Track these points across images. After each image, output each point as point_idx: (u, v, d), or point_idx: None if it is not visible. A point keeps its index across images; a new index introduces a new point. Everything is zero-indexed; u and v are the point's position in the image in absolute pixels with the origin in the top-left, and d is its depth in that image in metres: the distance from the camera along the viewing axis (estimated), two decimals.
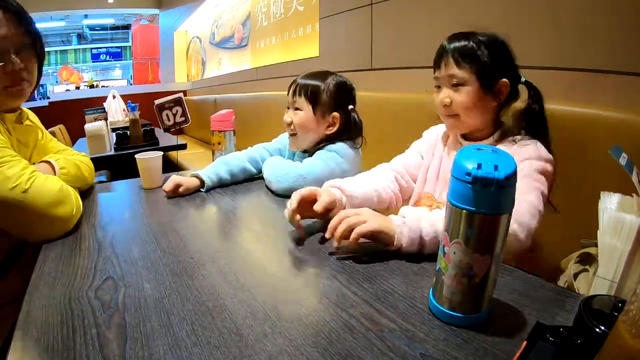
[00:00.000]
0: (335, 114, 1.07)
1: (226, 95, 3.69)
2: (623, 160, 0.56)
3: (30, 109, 1.06)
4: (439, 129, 0.97)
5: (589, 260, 0.73)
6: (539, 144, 0.80)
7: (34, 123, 1.03)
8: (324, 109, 1.07)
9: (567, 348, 0.36)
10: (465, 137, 0.89)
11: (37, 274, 0.63)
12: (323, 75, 1.09)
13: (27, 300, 0.55)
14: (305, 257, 0.66)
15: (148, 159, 1.10)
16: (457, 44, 0.83)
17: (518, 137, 0.82)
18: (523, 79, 0.83)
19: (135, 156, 1.09)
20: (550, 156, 0.79)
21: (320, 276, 0.59)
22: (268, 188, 1.06)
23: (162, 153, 1.12)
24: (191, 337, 0.45)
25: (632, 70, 0.91)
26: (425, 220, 0.64)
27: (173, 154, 2.85)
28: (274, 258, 0.68)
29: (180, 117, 1.44)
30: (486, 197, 0.41)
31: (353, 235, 0.62)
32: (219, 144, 1.23)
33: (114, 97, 3.17)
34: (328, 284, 0.56)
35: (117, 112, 3.03)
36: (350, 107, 1.10)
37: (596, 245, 0.64)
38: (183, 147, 2.44)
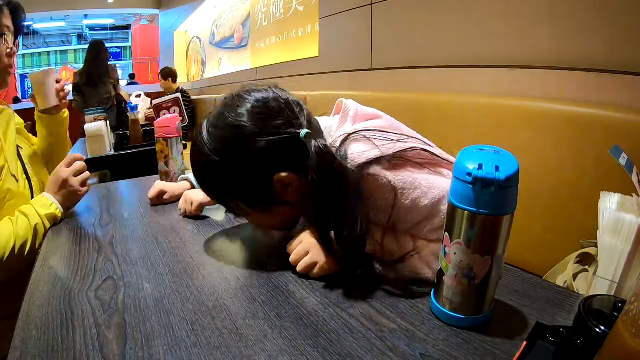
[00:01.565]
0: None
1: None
2: (623, 160, 0.56)
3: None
4: None
5: (588, 260, 0.73)
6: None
7: (6, 105, 1.03)
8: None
9: (567, 348, 0.36)
10: None
11: (37, 274, 0.63)
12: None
13: (27, 300, 0.55)
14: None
15: (38, 73, 1.07)
16: (200, 182, 0.64)
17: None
18: (303, 134, 0.55)
19: (28, 74, 1.10)
20: None
21: (321, 276, 0.59)
22: None
23: (53, 67, 1.12)
24: (191, 337, 0.45)
25: (632, 70, 0.91)
26: None
27: None
28: (274, 258, 0.67)
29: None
30: (487, 198, 0.41)
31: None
32: (162, 152, 1.07)
33: (138, 96, 3.21)
34: (328, 284, 0.56)
35: (142, 111, 3.06)
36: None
37: (596, 245, 0.64)
38: (183, 147, 2.44)
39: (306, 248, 0.59)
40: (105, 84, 3.43)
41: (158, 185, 0.98)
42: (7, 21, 0.92)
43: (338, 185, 0.53)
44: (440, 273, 0.47)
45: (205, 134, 0.58)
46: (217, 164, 0.56)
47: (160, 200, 0.96)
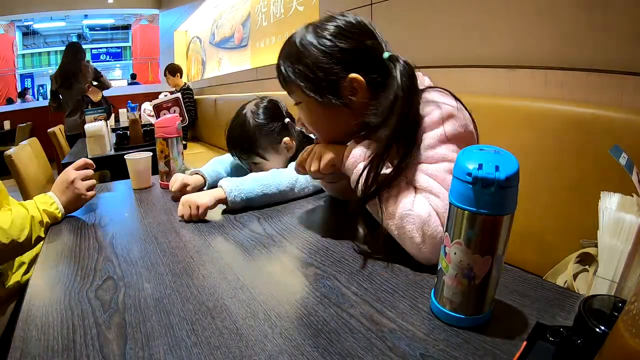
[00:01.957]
0: (286, 139, 1.04)
1: (226, 95, 3.69)
2: (623, 160, 0.56)
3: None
4: None
5: (588, 260, 0.73)
6: (438, 97, 0.64)
7: None
8: (268, 147, 1.03)
9: (567, 348, 0.36)
10: None
11: (37, 273, 0.63)
12: (241, 124, 1.04)
13: (27, 300, 0.55)
14: (305, 257, 0.66)
15: (137, 160, 1.09)
16: (283, 56, 0.70)
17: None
18: (386, 55, 0.64)
19: (125, 157, 1.09)
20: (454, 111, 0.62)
21: (320, 276, 0.59)
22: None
23: (151, 154, 1.11)
24: (191, 337, 0.45)
25: (632, 70, 0.91)
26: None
27: None
28: (274, 258, 0.68)
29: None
30: (487, 198, 0.41)
31: (315, 170, 0.69)
32: (162, 152, 1.09)
33: (165, 96, 3.23)
34: (328, 284, 0.56)
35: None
36: (287, 120, 1.05)
37: (596, 245, 0.64)
38: (183, 147, 2.44)
39: (319, 152, 0.69)
40: (79, 83, 3.44)
41: (179, 177, 0.99)
42: None
43: (407, 103, 0.60)
44: (440, 273, 0.47)
45: (310, 28, 0.67)
46: (311, 44, 0.65)
47: (183, 192, 0.96)
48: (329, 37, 0.64)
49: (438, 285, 0.48)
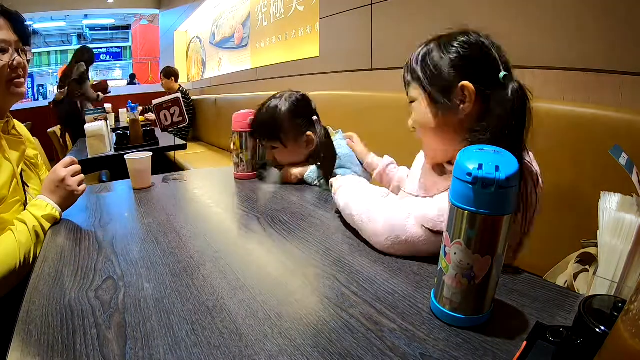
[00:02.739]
0: (308, 133, 1.10)
1: (226, 95, 3.69)
2: (623, 160, 0.56)
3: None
4: None
5: (588, 260, 0.73)
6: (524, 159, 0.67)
7: (20, 134, 1.01)
8: (291, 136, 1.09)
9: (567, 348, 0.36)
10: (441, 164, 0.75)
11: (37, 273, 0.63)
12: (272, 108, 1.09)
13: (27, 300, 0.55)
14: (305, 257, 0.66)
15: (137, 160, 1.09)
16: (415, 56, 0.75)
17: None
18: (502, 75, 0.65)
19: (125, 157, 1.09)
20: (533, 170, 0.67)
21: (320, 276, 0.59)
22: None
23: (151, 154, 1.12)
24: (191, 337, 0.45)
25: (632, 70, 0.91)
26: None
27: (172, 153, 2.85)
28: (274, 258, 0.68)
29: (178, 117, 1.43)
30: (487, 198, 0.41)
31: None
32: (234, 144, 1.18)
33: None
34: (328, 284, 0.56)
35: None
36: (315, 118, 1.11)
37: (596, 245, 0.64)
38: (183, 147, 2.45)
39: None
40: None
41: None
42: (3, 34, 0.87)
43: (515, 121, 0.64)
44: (441, 273, 0.47)
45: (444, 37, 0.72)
46: (439, 47, 0.70)
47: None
48: (455, 44, 0.69)
49: (438, 285, 0.48)
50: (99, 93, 4.06)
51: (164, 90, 4.11)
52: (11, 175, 0.89)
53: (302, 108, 1.10)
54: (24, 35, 0.93)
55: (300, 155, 1.12)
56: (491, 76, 0.66)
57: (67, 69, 3.87)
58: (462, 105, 0.67)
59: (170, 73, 4.14)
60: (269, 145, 1.12)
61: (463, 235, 0.44)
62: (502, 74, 0.65)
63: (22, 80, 0.93)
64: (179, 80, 4.26)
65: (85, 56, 3.84)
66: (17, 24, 0.91)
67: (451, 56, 0.68)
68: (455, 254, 0.44)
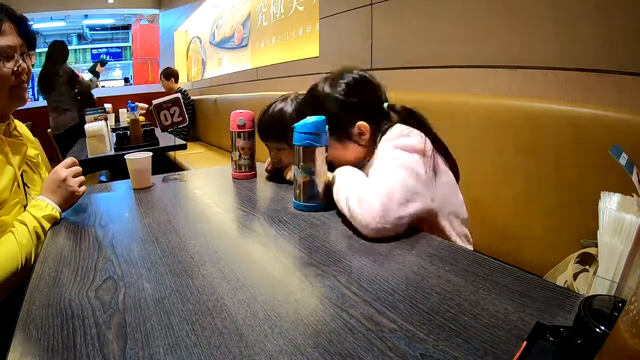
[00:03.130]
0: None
1: (226, 95, 3.69)
2: (623, 160, 0.56)
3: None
4: None
5: (588, 260, 0.73)
6: (404, 127, 0.84)
7: (22, 135, 1.01)
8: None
9: (567, 348, 0.36)
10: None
11: (37, 274, 0.63)
12: (280, 111, 1.11)
13: (27, 300, 0.55)
14: (305, 257, 0.66)
15: (137, 160, 1.09)
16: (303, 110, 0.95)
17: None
18: (385, 105, 0.88)
19: (125, 157, 1.09)
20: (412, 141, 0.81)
21: (321, 276, 0.59)
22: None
23: (151, 154, 1.12)
24: (191, 337, 0.45)
25: (632, 70, 0.91)
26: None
27: (172, 154, 2.85)
28: (274, 258, 0.68)
29: (178, 117, 1.43)
30: (307, 136, 0.82)
31: None
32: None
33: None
34: (328, 284, 0.56)
35: None
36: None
37: (596, 245, 0.64)
38: (183, 147, 2.45)
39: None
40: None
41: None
42: (9, 40, 0.86)
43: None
44: (297, 182, 0.87)
45: (324, 87, 0.91)
46: (334, 100, 0.89)
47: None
48: (342, 93, 0.88)
49: (296, 190, 0.88)
50: (92, 78, 4.00)
51: (164, 90, 4.11)
52: (12, 178, 0.89)
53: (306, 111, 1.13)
54: (29, 39, 0.92)
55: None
56: (377, 110, 0.89)
57: (44, 73, 3.62)
58: (362, 137, 0.89)
59: (170, 74, 4.14)
60: (276, 147, 1.12)
61: (301, 160, 0.83)
62: (386, 104, 0.89)
63: (25, 85, 0.93)
64: (179, 81, 4.27)
65: (65, 53, 3.71)
66: (22, 27, 0.90)
67: (342, 101, 0.88)
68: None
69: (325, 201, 0.86)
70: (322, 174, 0.85)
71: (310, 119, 0.84)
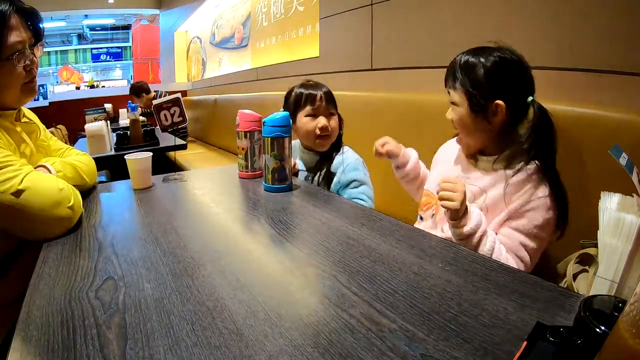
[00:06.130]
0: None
1: (226, 95, 3.69)
2: (623, 160, 0.56)
3: (30, 109, 1.06)
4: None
5: (588, 260, 0.73)
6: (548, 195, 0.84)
7: (32, 120, 1.03)
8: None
9: (567, 348, 0.36)
10: (475, 154, 0.94)
11: (37, 274, 0.63)
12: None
13: (27, 300, 0.55)
14: (305, 257, 0.66)
15: (138, 160, 1.09)
16: (459, 64, 0.89)
17: (530, 168, 0.84)
18: (530, 99, 0.83)
19: (125, 157, 1.09)
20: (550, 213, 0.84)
21: (321, 276, 0.59)
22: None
23: (151, 154, 1.12)
24: (191, 337, 0.45)
25: (632, 70, 0.91)
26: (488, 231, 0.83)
27: (172, 154, 2.85)
28: (274, 258, 0.68)
29: (178, 117, 1.44)
30: (277, 129, 0.99)
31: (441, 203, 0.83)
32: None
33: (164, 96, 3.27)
34: (328, 284, 0.56)
35: None
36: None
37: (596, 246, 0.64)
38: (183, 147, 2.45)
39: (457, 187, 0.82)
40: None
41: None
42: (17, 35, 0.84)
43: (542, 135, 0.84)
44: (267, 168, 1.02)
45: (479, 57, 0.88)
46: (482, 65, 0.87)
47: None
48: (494, 60, 0.85)
49: (266, 175, 1.03)
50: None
51: (142, 106, 4.00)
52: (30, 155, 0.94)
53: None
54: (38, 31, 0.91)
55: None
56: (521, 97, 0.84)
57: None
58: (494, 117, 0.85)
59: (140, 88, 4.00)
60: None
61: (273, 149, 0.99)
62: (530, 98, 0.84)
63: (36, 79, 0.94)
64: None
65: None
66: (31, 20, 0.89)
67: (492, 73, 0.84)
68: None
69: (290, 183, 1.04)
70: (289, 160, 1.03)
71: (277, 114, 1.00)
